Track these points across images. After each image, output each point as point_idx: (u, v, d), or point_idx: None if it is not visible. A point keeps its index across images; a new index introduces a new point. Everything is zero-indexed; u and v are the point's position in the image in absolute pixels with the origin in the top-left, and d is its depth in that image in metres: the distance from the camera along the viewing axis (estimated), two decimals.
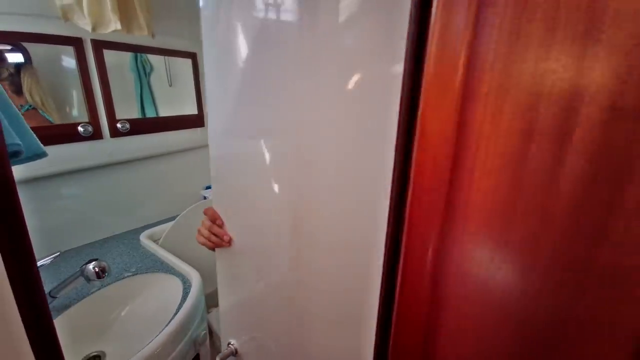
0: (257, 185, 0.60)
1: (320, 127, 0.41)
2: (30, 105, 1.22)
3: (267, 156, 0.55)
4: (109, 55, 1.41)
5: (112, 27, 1.22)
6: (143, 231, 1.53)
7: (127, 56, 1.54)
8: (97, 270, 1.02)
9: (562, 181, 0.24)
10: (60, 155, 1.30)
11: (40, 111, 1.25)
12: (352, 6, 0.36)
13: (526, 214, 0.26)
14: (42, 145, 0.83)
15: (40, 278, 0.49)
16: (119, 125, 1.43)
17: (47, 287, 1.08)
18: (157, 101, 1.69)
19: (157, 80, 1.68)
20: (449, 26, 0.24)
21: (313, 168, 0.45)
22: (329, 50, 0.39)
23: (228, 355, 0.76)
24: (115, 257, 1.37)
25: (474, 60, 0.25)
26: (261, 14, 0.48)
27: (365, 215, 0.37)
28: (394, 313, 0.33)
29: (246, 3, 0.51)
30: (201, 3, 0.57)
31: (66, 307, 1.11)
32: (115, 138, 1.44)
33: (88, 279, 1.02)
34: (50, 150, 1.28)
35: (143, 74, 1.63)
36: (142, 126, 1.56)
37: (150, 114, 1.64)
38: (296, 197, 0.51)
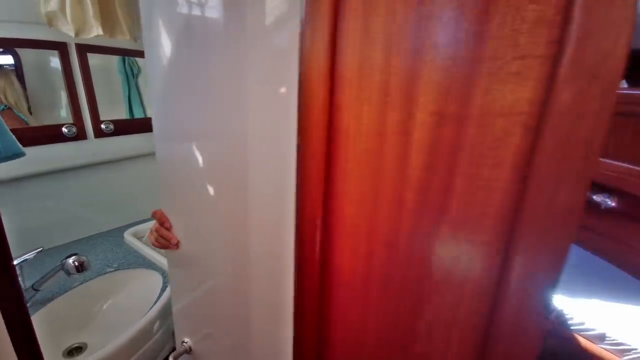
0: (195, 188, 0.61)
1: (248, 131, 0.46)
2: (5, 106, 1.27)
3: (201, 159, 0.57)
4: (97, 58, 1.46)
5: (95, 32, 1.27)
6: (127, 229, 1.58)
7: (115, 59, 1.59)
8: (76, 264, 1.07)
9: (409, 169, 0.30)
10: (45, 156, 1.35)
11: (15, 111, 1.30)
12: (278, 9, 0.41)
13: (386, 198, 0.32)
14: (20, 145, 0.88)
15: (15, 273, 0.54)
16: (103, 126, 1.49)
17: (30, 281, 1.13)
18: (145, 102, 1.74)
19: (146, 82, 1.74)
20: (313, 51, 0.30)
21: (241, 171, 0.48)
22: (250, 55, 0.43)
23: (182, 354, 0.78)
24: (99, 254, 1.42)
25: (337, 78, 0.31)
26: (185, 11, 0.49)
27: (281, 211, 0.42)
28: (295, 293, 0.39)
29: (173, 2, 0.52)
30: (140, 2, 0.57)
31: (49, 299, 1.17)
32: (100, 138, 1.49)
33: (68, 273, 1.07)
34: (36, 150, 1.34)
35: (131, 75, 1.68)
36: (127, 127, 1.61)
37: (138, 114, 1.70)
38: (228, 197, 0.54)
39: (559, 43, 0.24)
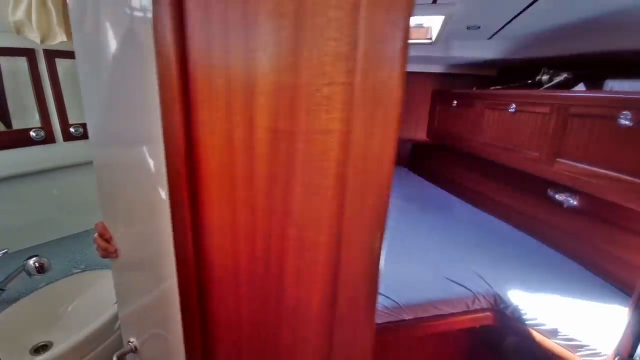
0: (136, 193, 0.63)
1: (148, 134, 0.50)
2: None
3: (137, 163, 0.58)
4: (67, 63, 1.49)
5: (59, 38, 1.30)
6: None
7: None
8: (37, 265, 1.10)
9: (256, 179, 0.35)
10: (13, 159, 1.38)
11: None
12: None
13: (242, 204, 0.36)
14: None
15: None
16: (72, 129, 1.52)
17: None
18: None
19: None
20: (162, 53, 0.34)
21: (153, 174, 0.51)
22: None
23: (127, 352, 0.81)
24: (68, 255, 1.45)
25: (193, 103, 0.35)
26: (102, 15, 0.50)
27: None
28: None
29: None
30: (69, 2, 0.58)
31: (15, 299, 1.20)
32: (69, 142, 1.52)
33: (29, 274, 1.11)
34: (3, 155, 1.37)
35: None
36: None
37: None
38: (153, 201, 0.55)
39: (353, 72, 0.29)
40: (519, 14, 1.38)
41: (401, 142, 3.03)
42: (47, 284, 1.27)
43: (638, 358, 0.83)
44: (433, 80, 2.62)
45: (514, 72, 2.18)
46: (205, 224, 0.39)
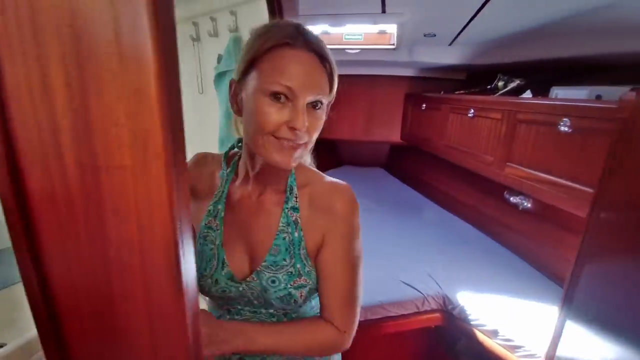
0: None
1: None
2: None
3: None
4: None
5: None
6: None
7: None
8: None
9: None
10: None
11: None
12: None
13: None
14: None
15: None
16: None
17: None
18: None
19: None
20: None
21: None
22: None
23: None
24: None
25: None
26: None
27: None
28: None
29: None
30: None
31: None
32: None
33: None
34: None
35: None
36: None
37: None
38: None
39: None
40: (467, 23, 1.41)
41: (378, 144, 3.07)
42: (4, 288, 1.30)
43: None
44: (408, 83, 2.65)
45: (479, 77, 2.22)
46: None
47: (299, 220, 0.60)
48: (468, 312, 1.35)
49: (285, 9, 1.13)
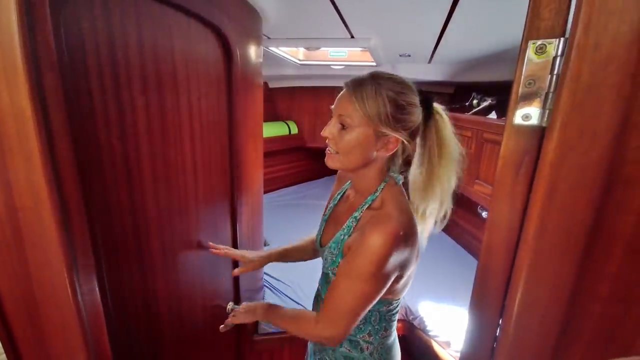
0: None
1: None
2: None
3: None
4: None
5: None
6: None
7: None
8: None
9: None
10: None
11: None
12: None
13: None
14: None
15: None
16: None
17: None
18: None
19: None
20: None
21: None
22: None
23: None
24: None
25: None
26: None
27: None
28: None
29: None
30: None
31: None
32: None
33: None
34: None
35: None
36: None
37: None
38: None
39: None
40: (435, 46, 1.48)
41: None
42: None
43: None
44: None
45: (464, 92, 2.28)
46: None
47: (352, 228, 0.72)
48: (426, 323, 1.42)
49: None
